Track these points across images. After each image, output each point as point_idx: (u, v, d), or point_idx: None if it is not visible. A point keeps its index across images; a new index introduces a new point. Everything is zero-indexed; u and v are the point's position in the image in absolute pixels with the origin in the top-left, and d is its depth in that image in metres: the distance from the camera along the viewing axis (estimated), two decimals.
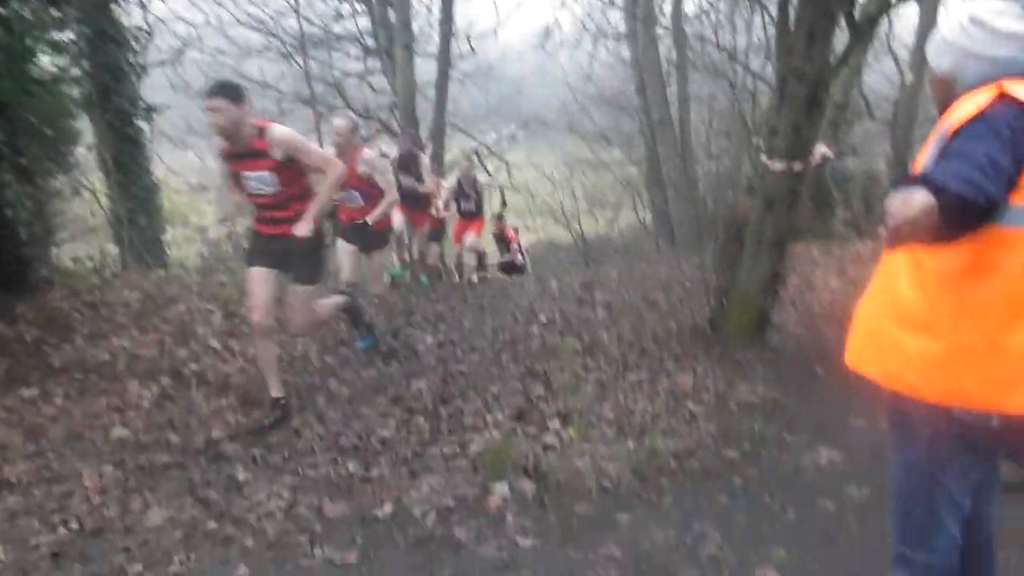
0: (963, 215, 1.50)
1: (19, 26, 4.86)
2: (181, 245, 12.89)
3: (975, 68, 1.81)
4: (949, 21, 1.89)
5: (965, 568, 2.00)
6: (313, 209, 4.15)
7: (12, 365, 4.62)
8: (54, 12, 5.96)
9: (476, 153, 11.38)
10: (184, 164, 14.43)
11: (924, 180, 1.46)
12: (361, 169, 5.75)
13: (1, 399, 4.24)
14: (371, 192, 5.84)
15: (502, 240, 11.51)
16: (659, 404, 4.51)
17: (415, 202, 7.99)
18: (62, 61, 7.03)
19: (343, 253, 6.23)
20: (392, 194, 5.89)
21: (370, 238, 6.03)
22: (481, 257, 10.23)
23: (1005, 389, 1.73)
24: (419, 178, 7.87)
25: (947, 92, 1.88)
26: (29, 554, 2.97)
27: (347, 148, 5.67)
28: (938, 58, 1.90)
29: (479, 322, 6.77)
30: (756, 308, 5.65)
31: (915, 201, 1.42)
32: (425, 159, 8.27)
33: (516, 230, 11.94)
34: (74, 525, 3.19)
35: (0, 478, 3.51)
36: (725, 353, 5.40)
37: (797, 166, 5.24)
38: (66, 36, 7.43)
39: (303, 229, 4.08)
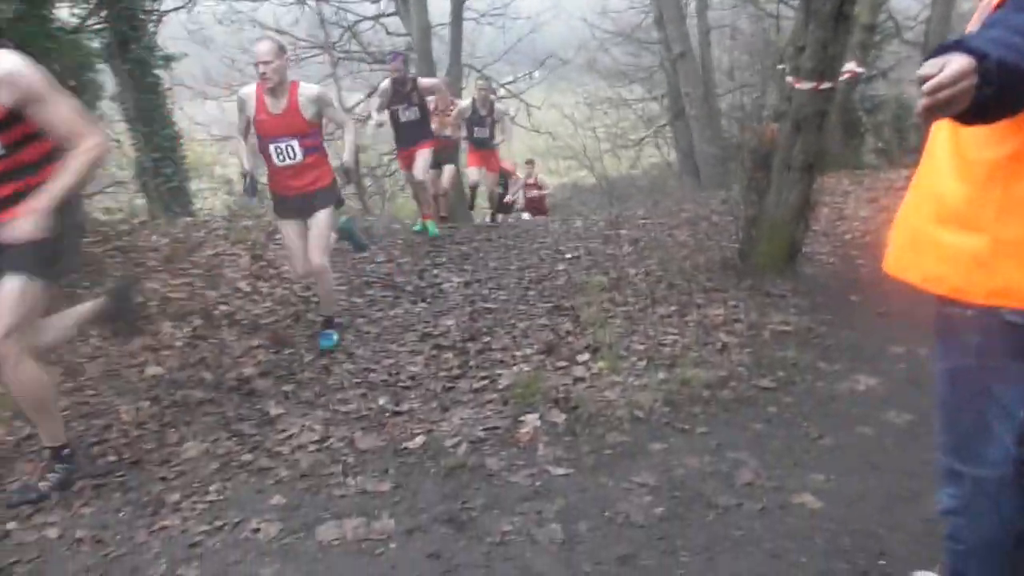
0: (1006, 84, 1.38)
1: None
2: (207, 196, 12.93)
3: None
4: None
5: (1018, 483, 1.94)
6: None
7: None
8: None
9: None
10: (205, 115, 14.37)
11: (961, 46, 1.35)
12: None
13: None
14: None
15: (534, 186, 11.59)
16: (689, 336, 4.46)
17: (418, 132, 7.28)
18: (81, 11, 6.94)
19: None
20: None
21: None
22: (494, 198, 9.84)
23: None
24: (421, 104, 7.23)
25: None
26: (71, 484, 3.01)
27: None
28: None
29: (505, 261, 6.72)
30: (787, 237, 5.54)
31: (953, 63, 1.31)
32: (425, 81, 7.70)
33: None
34: (112, 457, 3.24)
35: None
36: (756, 284, 5.32)
37: (825, 84, 5.07)
38: None
39: None
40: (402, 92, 7.10)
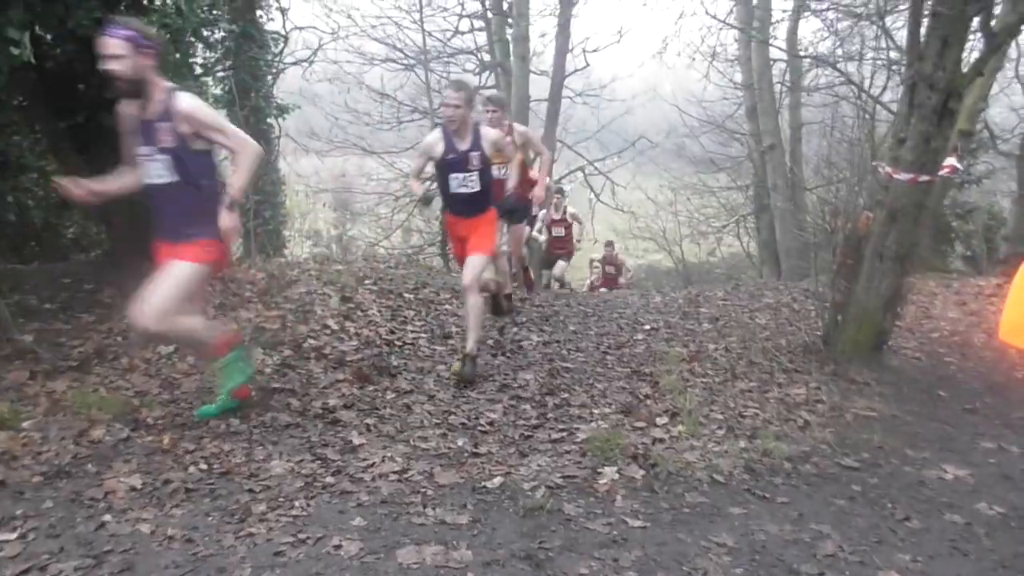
0: None
1: (188, 15, 5.23)
2: (297, 243, 13.47)
3: None
4: None
5: None
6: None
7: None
8: (214, 12, 6.38)
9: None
10: (303, 168, 15.09)
11: None
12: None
13: (140, 353, 4.53)
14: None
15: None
16: (770, 411, 4.42)
17: None
18: (212, 56, 7.52)
19: None
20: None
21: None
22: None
23: None
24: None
25: None
26: (164, 487, 3.16)
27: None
28: None
29: (583, 326, 6.78)
30: (875, 325, 5.46)
31: None
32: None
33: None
34: (203, 466, 3.37)
35: (139, 419, 3.76)
36: (839, 370, 5.24)
37: (924, 177, 5.06)
38: (218, 35, 7.97)
39: None
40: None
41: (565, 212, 10.54)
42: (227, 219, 3.59)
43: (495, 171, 5.37)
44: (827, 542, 2.95)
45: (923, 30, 5.15)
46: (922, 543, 3.01)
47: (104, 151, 5.59)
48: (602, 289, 11.74)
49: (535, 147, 6.84)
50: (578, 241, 10.81)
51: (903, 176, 5.14)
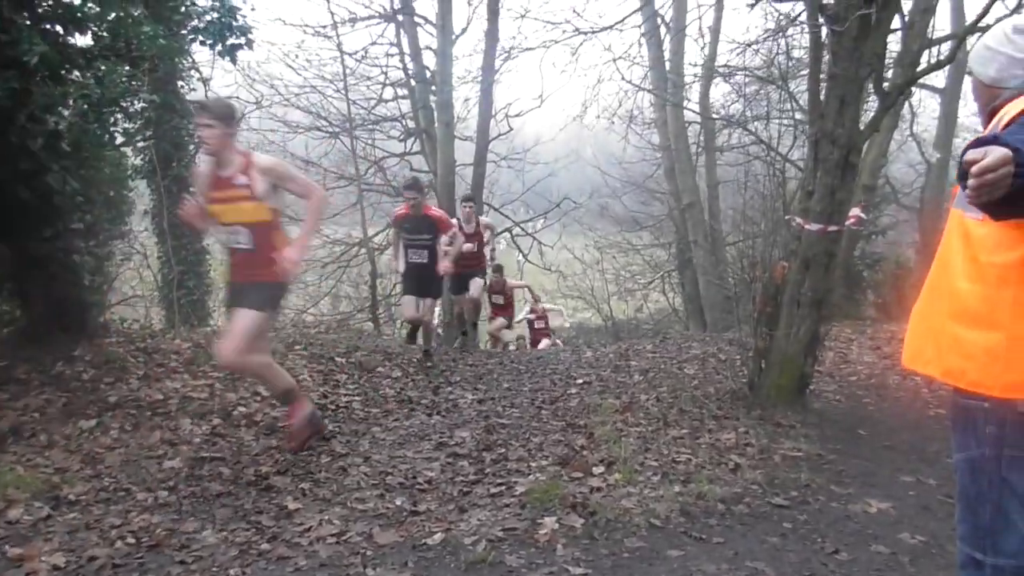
0: None
1: (108, 85, 5.21)
2: (223, 313, 13.17)
3: (1020, 74, 1.95)
4: (995, 32, 2.04)
5: None
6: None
7: (70, 399, 4.76)
8: (134, 82, 6.36)
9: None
10: None
11: (997, 141, 1.56)
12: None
13: (60, 428, 4.36)
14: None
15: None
16: (702, 455, 4.51)
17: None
18: (132, 128, 7.46)
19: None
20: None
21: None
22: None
23: None
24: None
25: (992, 98, 2.01)
26: (89, 564, 3.03)
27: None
28: (983, 66, 2.04)
29: (517, 383, 6.83)
30: (796, 370, 5.68)
31: (995, 151, 1.51)
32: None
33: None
34: (131, 540, 3.25)
35: (60, 496, 3.61)
36: (765, 415, 5.41)
37: (833, 227, 5.37)
38: (138, 105, 7.92)
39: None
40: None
41: (478, 224, 9.04)
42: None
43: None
44: None
45: (823, 92, 5.54)
46: (851, 574, 3.11)
47: (17, 224, 5.47)
48: (543, 343, 11.91)
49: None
50: (493, 251, 10.11)
51: (813, 226, 5.43)
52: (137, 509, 3.57)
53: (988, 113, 2.02)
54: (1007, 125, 1.80)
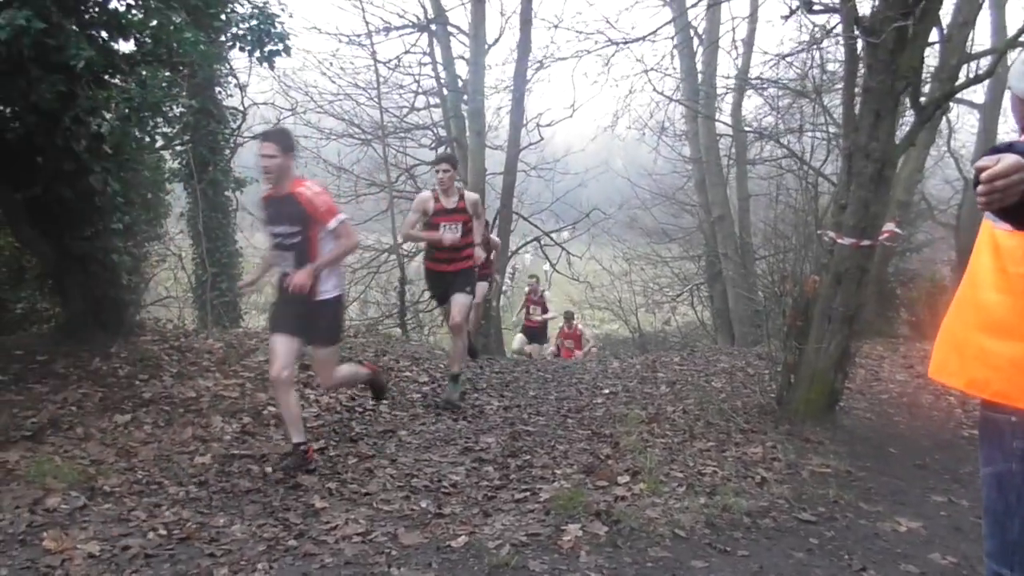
0: None
1: (149, 90, 5.34)
2: (254, 317, 13.35)
3: None
4: None
5: None
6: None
7: (106, 394, 4.87)
8: (174, 88, 6.51)
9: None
10: (261, 241, 15.05)
11: (1013, 148, 1.57)
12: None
13: (97, 422, 4.46)
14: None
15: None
16: (728, 468, 4.49)
17: None
18: (171, 131, 7.63)
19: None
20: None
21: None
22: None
23: None
24: None
25: None
26: (122, 553, 3.09)
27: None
28: (1021, 81, 2.03)
29: (543, 392, 6.84)
30: (826, 385, 5.63)
31: (1007, 158, 1.52)
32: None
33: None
34: (163, 532, 3.32)
35: (95, 487, 3.69)
36: (794, 430, 5.37)
37: (866, 242, 5.32)
38: (177, 110, 8.10)
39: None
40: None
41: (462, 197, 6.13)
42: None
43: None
44: None
45: (857, 105, 5.51)
46: None
47: (59, 223, 5.62)
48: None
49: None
50: (492, 253, 8.77)
51: (846, 240, 5.39)
52: (168, 502, 3.64)
53: None
54: None
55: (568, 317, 12.96)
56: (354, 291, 16.14)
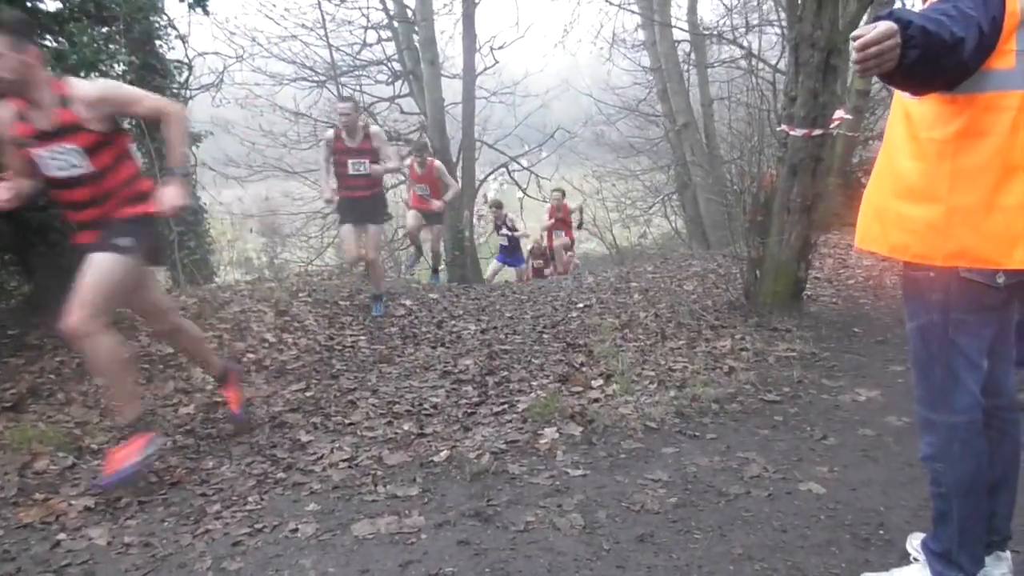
0: (927, 49, 1.64)
1: (84, 48, 5.22)
2: (228, 272, 13.31)
3: None
4: None
5: (987, 430, 2.11)
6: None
7: (83, 360, 4.89)
8: (110, 44, 6.35)
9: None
10: (226, 197, 14.91)
11: (891, 16, 1.62)
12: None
13: (77, 386, 4.52)
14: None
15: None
16: (698, 363, 4.65)
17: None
18: None
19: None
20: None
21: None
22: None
23: (1005, 245, 1.87)
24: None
25: None
26: (116, 503, 3.20)
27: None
28: None
29: (519, 312, 6.95)
30: (791, 275, 5.77)
31: (880, 25, 1.58)
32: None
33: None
34: (153, 479, 3.42)
35: (83, 446, 3.78)
36: (762, 321, 5.53)
37: (817, 131, 5.39)
38: (118, 68, 7.92)
39: None
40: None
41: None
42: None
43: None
44: (752, 465, 3.18)
45: None
46: (837, 456, 3.26)
47: None
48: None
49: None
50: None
51: (798, 132, 5.45)
52: (157, 453, 3.73)
53: None
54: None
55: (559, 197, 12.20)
56: (327, 236, 16.11)
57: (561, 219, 11.73)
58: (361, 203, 6.59)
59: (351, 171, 6.47)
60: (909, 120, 2.01)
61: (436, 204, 8.90)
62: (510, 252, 11.76)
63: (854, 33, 1.60)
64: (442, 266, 10.43)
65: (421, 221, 9.27)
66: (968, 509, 2.04)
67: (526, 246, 12.21)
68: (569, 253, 12.07)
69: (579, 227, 12.35)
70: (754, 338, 5.13)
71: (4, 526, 3.03)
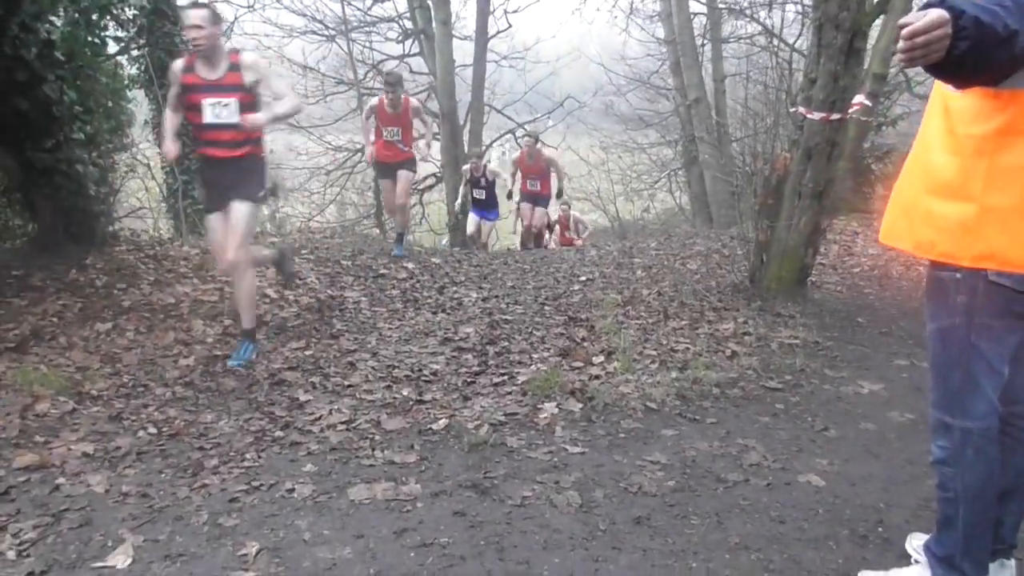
0: (979, 41, 1.56)
1: None
2: None
3: None
4: None
5: (1002, 437, 2.10)
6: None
7: (85, 304, 4.90)
8: None
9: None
10: None
11: (943, 4, 1.56)
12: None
13: (79, 331, 4.51)
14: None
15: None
16: (700, 344, 4.63)
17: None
18: (126, 36, 7.36)
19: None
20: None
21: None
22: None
23: None
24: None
25: None
26: (115, 451, 3.20)
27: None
28: None
29: (521, 282, 6.93)
30: (797, 261, 5.73)
31: (931, 13, 1.52)
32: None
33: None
34: (152, 430, 3.43)
35: (83, 392, 3.78)
36: (765, 306, 5.50)
37: (835, 115, 5.31)
38: (129, 13, 7.79)
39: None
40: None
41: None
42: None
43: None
44: (752, 453, 3.18)
45: None
46: (838, 449, 3.26)
47: (19, 136, 5.49)
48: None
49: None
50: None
51: (815, 115, 5.37)
52: (156, 403, 3.74)
53: None
54: None
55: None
56: (330, 193, 16.03)
57: (533, 167, 9.98)
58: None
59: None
60: (948, 114, 1.96)
61: (406, 151, 7.55)
62: (485, 205, 10.32)
63: (902, 20, 1.54)
64: (409, 233, 8.56)
65: (390, 177, 7.72)
66: (976, 516, 2.03)
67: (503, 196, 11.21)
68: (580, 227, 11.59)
69: (558, 195, 10.58)
70: (757, 323, 5.11)
71: (4, 467, 3.03)
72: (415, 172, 8.12)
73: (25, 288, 5.14)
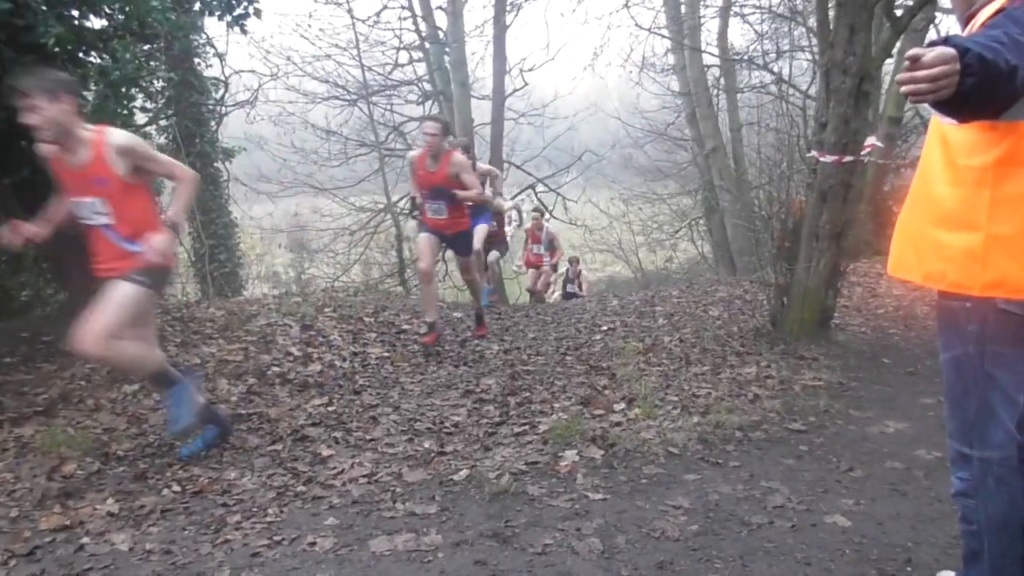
0: (985, 77, 1.59)
1: (126, 64, 5.35)
2: (256, 286, 13.49)
3: None
4: None
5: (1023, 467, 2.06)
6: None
7: (113, 368, 4.98)
8: (151, 61, 6.51)
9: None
10: (256, 211, 15.14)
11: (948, 42, 1.59)
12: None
13: (106, 393, 4.59)
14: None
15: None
16: (722, 389, 4.61)
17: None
18: (154, 106, 7.66)
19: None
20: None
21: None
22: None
23: None
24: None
25: (968, 5, 2.02)
26: (139, 510, 3.23)
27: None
28: None
29: (543, 333, 6.95)
30: (819, 303, 5.72)
31: (936, 49, 1.55)
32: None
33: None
34: (176, 488, 3.45)
35: (109, 452, 3.82)
36: (788, 349, 5.48)
37: (848, 158, 5.35)
38: (158, 84, 8.10)
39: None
40: None
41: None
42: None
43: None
44: (776, 495, 3.14)
45: (832, 20, 5.49)
46: (864, 488, 3.21)
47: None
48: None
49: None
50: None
51: (828, 158, 5.42)
52: (180, 462, 3.77)
53: (965, 20, 2.04)
54: (980, 27, 1.83)
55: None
56: (354, 252, 16.24)
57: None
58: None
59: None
60: (946, 146, 1.98)
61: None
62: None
63: (908, 54, 1.57)
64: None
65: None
66: (1001, 548, 1.99)
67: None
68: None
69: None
70: (780, 366, 5.08)
71: (31, 528, 3.07)
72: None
73: (54, 353, 5.24)
